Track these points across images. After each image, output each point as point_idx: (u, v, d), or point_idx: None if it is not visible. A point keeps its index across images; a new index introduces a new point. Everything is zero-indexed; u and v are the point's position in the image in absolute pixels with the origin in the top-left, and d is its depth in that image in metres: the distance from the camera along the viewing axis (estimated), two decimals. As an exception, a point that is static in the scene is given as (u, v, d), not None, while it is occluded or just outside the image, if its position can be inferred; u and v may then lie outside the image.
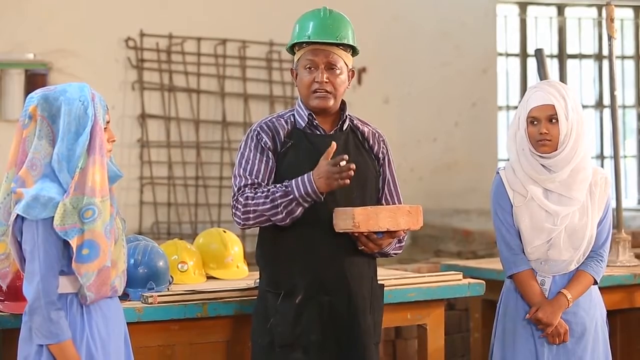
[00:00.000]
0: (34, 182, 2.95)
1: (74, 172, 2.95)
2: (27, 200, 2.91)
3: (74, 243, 2.92)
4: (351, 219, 3.28)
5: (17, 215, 2.94)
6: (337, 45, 3.44)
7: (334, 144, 3.30)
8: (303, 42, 3.45)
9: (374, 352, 3.45)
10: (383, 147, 3.58)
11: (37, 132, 2.98)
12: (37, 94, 3.02)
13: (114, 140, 3.10)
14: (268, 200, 3.32)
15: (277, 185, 3.35)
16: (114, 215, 3.04)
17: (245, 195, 3.37)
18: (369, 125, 3.60)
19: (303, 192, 3.29)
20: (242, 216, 3.37)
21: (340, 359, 3.40)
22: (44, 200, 2.91)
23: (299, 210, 3.31)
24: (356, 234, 3.34)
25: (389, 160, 3.59)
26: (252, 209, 3.34)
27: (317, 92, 3.43)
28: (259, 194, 3.34)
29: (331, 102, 3.45)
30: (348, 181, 3.26)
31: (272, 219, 3.34)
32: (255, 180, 3.40)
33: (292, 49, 3.52)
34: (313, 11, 3.51)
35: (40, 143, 2.97)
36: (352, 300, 3.41)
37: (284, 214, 3.32)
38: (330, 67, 3.43)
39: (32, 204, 2.90)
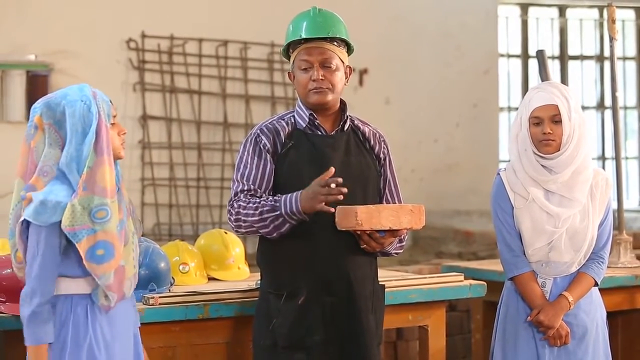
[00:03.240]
0: (44, 185, 2.93)
1: (82, 171, 2.93)
2: (35, 206, 2.88)
3: (83, 245, 2.89)
4: (354, 217, 3.27)
5: (24, 220, 2.90)
6: (331, 42, 3.42)
7: (332, 168, 3.28)
8: (297, 44, 3.43)
9: (376, 353, 3.45)
10: (384, 148, 3.57)
11: (46, 141, 2.96)
12: (39, 103, 3.00)
13: (124, 133, 3.08)
14: (257, 212, 3.33)
15: (269, 199, 3.34)
16: (125, 217, 3.02)
17: (239, 203, 3.37)
18: (370, 126, 3.59)
19: (289, 210, 3.29)
20: (234, 223, 3.39)
21: (343, 360, 3.40)
22: (52, 205, 2.88)
23: (286, 226, 3.32)
24: (358, 232, 3.34)
25: (389, 160, 3.58)
26: (242, 218, 3.35)
27: (314, 89, 3.41)
28: (250, 205, 3.35)
29: (329, 97, 3.44)
30: (333, 210, 3.24)
31: (261, 231, 3.35)
32: (252, 186, 3.40)
33: (287, 53, 3.51)
34: (303, 12, 3.49)
35: (51, 151, 2.95)
36: (355, 300, 3.40)
37: (270, 228, 3.33)
38: (326, 64, 3.41)
39: (40, 210, 2.88)
